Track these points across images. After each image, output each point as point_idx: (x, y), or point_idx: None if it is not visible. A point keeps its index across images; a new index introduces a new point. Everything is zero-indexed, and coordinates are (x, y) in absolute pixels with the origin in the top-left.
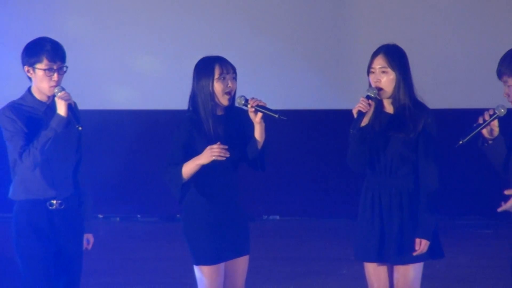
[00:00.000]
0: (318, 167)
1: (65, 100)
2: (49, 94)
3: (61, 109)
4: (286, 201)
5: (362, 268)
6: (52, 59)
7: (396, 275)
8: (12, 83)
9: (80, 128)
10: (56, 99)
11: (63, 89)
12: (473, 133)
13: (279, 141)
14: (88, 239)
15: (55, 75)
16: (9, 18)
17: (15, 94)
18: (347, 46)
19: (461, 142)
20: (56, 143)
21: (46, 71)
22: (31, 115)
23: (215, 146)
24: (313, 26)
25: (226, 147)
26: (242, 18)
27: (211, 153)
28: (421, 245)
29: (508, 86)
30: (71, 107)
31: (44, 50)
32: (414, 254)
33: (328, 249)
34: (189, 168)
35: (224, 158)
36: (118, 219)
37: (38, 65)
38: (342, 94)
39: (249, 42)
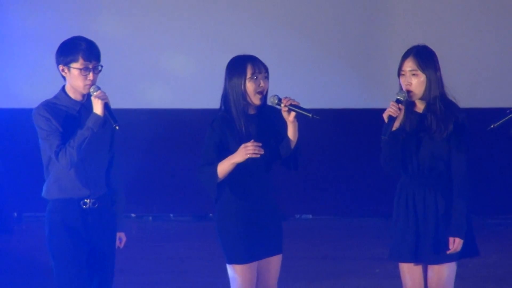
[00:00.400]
0: (351, 166)
1: (102, 99)
2: (84, 93)
3: (98, 108)
4: (319, 200)
5: (396, 267)
6: (87, 58)
7: (430, 274)
8: (47, 82)
9: (117, 128)
10: (92, 98)
11: (99, 88)
12: (506, 118)
13: (312, 140)
14: (121, 238)
15: (91, 74)
16: (44, 18)
17: (49, 93)
18: (380, 45)
19: (492, 126)
20: (91, 142)
21: (82, 70)
22: (66, 114)
23: (249, 143)
24: (347, 26)
25: (260, 144)
26: (276, 17)
27: (246, 151)
28: (455, 244)
29: None
30: (107, 106)
31: (80, 49)
32: (448, 252)
33: (360, 248)
34: (224, 167)
35: (258, 156)
36: (150, 218)
37: (73, 64)
38: (375, 93)
39: (283, 41)
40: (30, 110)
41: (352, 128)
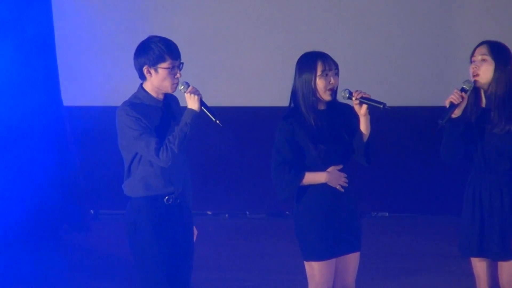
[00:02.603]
0: (427, 163)
1: (197, 95)
2: (171, 92)
3: (194, 104)
4: (395, 198)
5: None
6: (175, 58)
7: (500, 270)
8: (123, 82)
9: (218, 123)
10: (186, 95)
11: (189, 84)
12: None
13: (387, 137)
14: (194, 232)
15: (178, 72)
16: (117, 16)
17: (124, 92)
18: (452, 44)
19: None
20: (190, 138)
21: (170, 70)
22: (151, 113)
23: (343, 175)
24: (420, 23)
25: (347, 182)
26: (347, 13)
27: (337, 183)
28: None
29: None
30: (203, 102)
31: (166, 49)
32: None
33: (437, 245)
34: (312, 180)
35: (342, 190)
36: (227, 215)
37: (161, 65)
38: (448, 91)
39: (353, 38)
40: (106, 108)
41: (427, 126)
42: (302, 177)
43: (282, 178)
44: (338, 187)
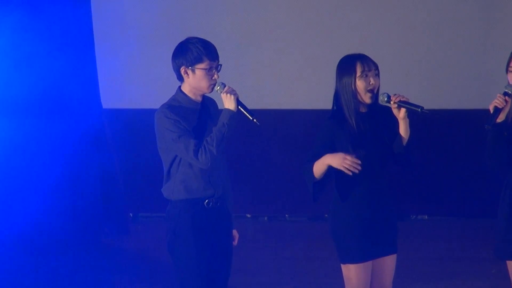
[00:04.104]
0: (467, 166)
1: (233, 94)
2: (208, 92)
3: (231, 104)
4: (434, 201)
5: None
6: (212, 59)
7: None
8: (161, 84)
9: (256, 122)
10: (222, 95)
11: (225, 84)
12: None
13: (428, 140)
14: (234, 235)
15: (215, 74)
16: (159, 21)
17: (164, 94)
18: (492, 46)
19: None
20: (228, 139)
21: (207, 71)
22: (189, 115)
23: (349, 157)
24: (461, 25)
25: (359, 162)
26: (389, 16)
27: (343, 163)
28: None
29: None
30: (240, 101)
31: (204, 50)
32: None
33: (476, 248)
34: (318, 167)
35: (350, 173)
36: (266, 218)
37: (199, 65)
38: (488, 94)
39: (394, 41)
40: (145, 110)
41: (466, 128)
42: (312, 167)
43: (304, 172)
44: (343, 169)
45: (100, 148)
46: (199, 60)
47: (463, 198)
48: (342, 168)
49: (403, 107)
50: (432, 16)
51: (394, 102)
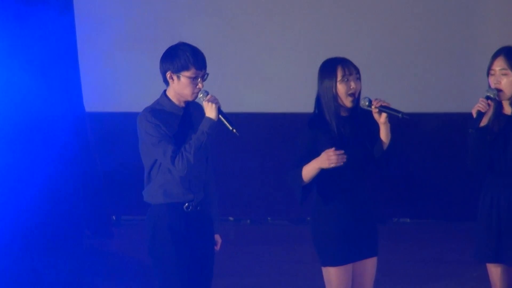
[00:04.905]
0: (448, 170)
1: (215, 103)
2: (191, 100)
3: (212, 112)
4: (416, 204)
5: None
6: (199, 68)
7: None
8: (146, 87)
9: (235, 132)
10: (204, 103)
11: (207, 92)
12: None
13: (408, 144)
14: (217, 240)
15: (200, 82)
16: (142, 22)
17: (148, 97)
18: (471, 51)
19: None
20: (206, 147)
21: (193, 79)
22: (171, 120)
23: (331, 151)
24: (441, 29)
25: (342, 151)
26: (372, 21)
27: (329, 161)
28: None
29: None
30: (221, 110)
31: (191, 58)
32: None
33: (458, 251)
34: (309, 171)
35: (341, 164)
36: (248, 221)
37: (184, 73)
38: (467, 97)
39: (376, 45)
40: (129, 114)
41: (448, 132)
42: (301, 171)
43: (290, 177)
44: (332, 165)
45: (83, 150)
46: (186, 68)
47: (445, 201)
48: (332, 165)
49: (384, 112)
50: (415, 20)
51: (375, 107)
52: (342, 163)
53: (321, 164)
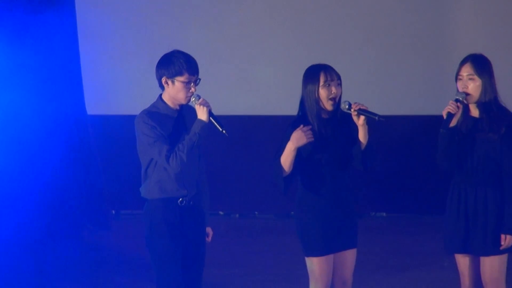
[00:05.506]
0: (420, 168)
1: (206, 106)
2: (184, 103)
3: (203, 115)
4: (392, 199)
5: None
6: (192, 73)
7: (482, 266)
8: (142, 91)
9: (225, 133)
10: (196, 106)
11: (199, 96)
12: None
13: (385, 143)
14: (208, 233)
15: (192, 87)
16: (138, 29)
17: (144, 101)
18: (442, 56)
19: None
20: (197, 147)
21: (186, 84)
22: (166, 121)
23: (299, 129)
24: (414, 40)
25: (309, 127)
26: (357, 29)
27: (299, 137)
28: (506, 241)
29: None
30: (212, 113)
31: (185, 64)
32: (501, 248)
33: (429, 242)
34: (285, 157)
35: (312, 139)
36: (237, 215)
37: (178, 78)
38: (437, 101)
39: (358, 52)
40: (127, 116)
41: (420, 133)
42: (279, 161)
43: (272, 168)
44: (304, 142)
45: (85, 150)
46: (180, 73)
47: (418, 196)
48: (304, 141)
49: (362, 114)
50: (390, 30)
51: (354, 110)
52: (312, 139)
53: (295, 143)
